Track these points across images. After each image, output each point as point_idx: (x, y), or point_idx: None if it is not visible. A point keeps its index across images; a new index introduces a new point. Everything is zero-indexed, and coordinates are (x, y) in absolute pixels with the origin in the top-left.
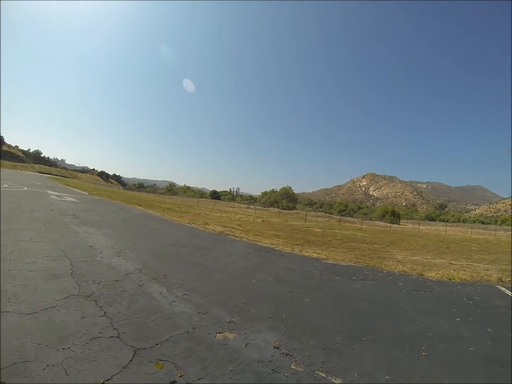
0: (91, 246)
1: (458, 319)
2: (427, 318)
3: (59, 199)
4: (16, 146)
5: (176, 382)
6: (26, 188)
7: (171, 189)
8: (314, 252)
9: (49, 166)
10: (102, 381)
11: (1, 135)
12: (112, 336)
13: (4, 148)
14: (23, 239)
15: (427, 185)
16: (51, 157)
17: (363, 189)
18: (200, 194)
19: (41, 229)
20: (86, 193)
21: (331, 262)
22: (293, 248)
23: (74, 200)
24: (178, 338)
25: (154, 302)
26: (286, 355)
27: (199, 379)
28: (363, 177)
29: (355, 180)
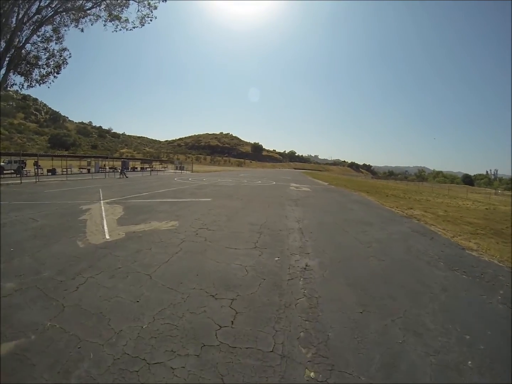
0: (285, 216)
1: None
2: None
3: (296, 189)
4: (274, 150)
5: None
6: (274, 183)
7: (420, 175)
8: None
9: (303, 162)
10: None
11: (260, 144)
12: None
13: (264, 153)
14: (251, 211)
15: None
16: (305, 154)
17: None
18: (451, 179)
19: (264, 207)
20: (326, 183)
21: None
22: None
23: (307, 189)
24: None
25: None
26: None
27: None
28: None
29: None
